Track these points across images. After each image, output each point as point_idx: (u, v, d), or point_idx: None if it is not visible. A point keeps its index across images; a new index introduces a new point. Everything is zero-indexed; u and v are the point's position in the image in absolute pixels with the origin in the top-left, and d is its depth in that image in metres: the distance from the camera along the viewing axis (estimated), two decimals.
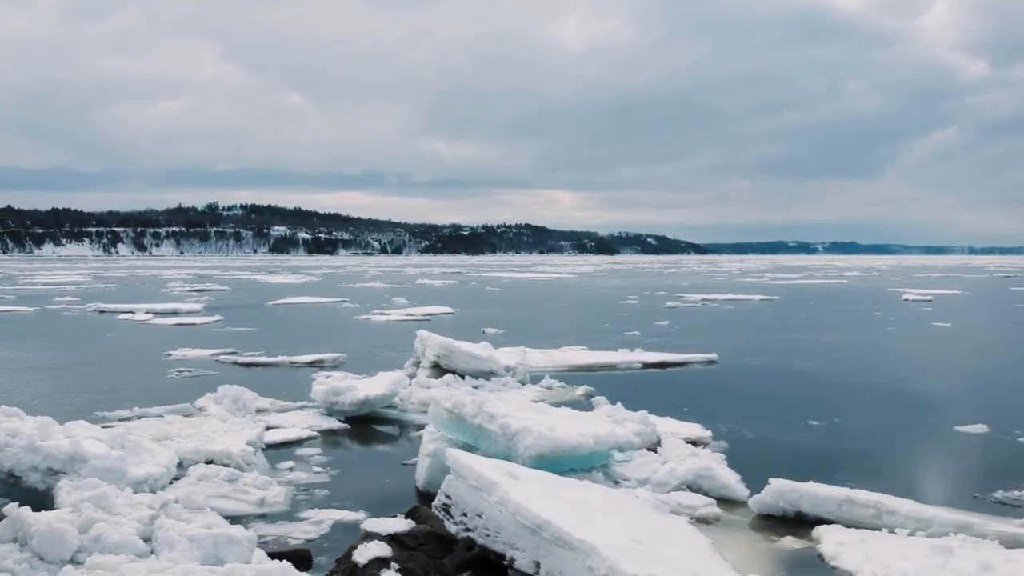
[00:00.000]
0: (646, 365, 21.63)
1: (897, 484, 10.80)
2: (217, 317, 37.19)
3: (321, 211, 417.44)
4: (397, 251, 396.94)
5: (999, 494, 10.21)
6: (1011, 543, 8.25)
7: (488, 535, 7.75)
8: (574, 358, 21.99)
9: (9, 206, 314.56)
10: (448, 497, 8.27)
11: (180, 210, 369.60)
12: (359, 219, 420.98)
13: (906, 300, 51.83)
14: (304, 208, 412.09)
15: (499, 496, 7.70)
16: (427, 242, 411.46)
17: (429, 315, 39.80)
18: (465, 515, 8.02)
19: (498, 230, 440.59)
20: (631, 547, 7.08)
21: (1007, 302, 51.56)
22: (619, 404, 15.04)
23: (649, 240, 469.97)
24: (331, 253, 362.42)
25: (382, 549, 7.54)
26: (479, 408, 10.01)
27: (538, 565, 7.23)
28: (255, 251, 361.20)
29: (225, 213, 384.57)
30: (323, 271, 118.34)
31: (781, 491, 9.41)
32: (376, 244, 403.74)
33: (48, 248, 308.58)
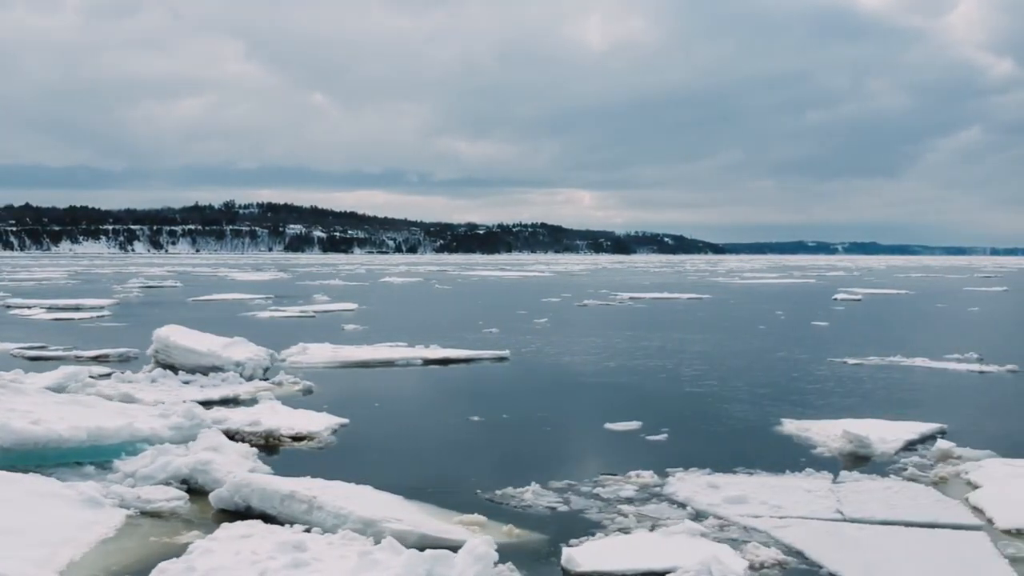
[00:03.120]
0: (427, 361, 21.56)
1: (434, 480, 10.75)
2: (104, 313, 37.62)
3: (337, 210, 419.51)
4: (412, 250, 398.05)
5: (507, 490, 10.05)
6: (402, 538, 8.13)
7: None
8: (359, 354, 21.95)
9: (27, 203, 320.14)
10: None
11: (197, 208, 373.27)
12: (374, 218, 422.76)
13: (834, 300, 51.24)
14: (320, 207, 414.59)
15: None
16: (442, 241, 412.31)
17: (324, 311, 39.98)
18: None
19: (514, 229, 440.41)
20: None
21: (931, 302, 50.65)
22: (276, 402, 15.14)
23: (666, 240, 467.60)
24: (346, 252, 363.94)
25: None
26: None
27: None
28: (270, 249, 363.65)
29: (242, 211, 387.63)
30: (305, 269, 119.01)
31: (237, 485, 9.36)
32: (391, 243, 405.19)
33: (65, 245, 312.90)
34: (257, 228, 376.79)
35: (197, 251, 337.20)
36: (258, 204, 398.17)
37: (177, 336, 17.84)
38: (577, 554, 7.77)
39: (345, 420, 13.92)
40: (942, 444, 12.25)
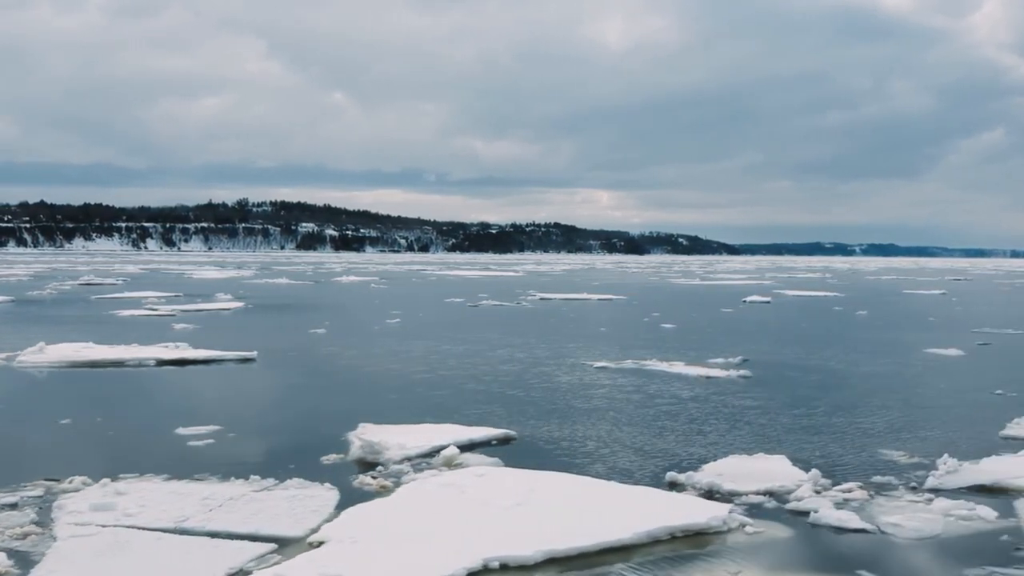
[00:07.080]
0: (160, 362, 21.51)
1: None
2: None
3: (351, 208, 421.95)
4: (424, 248, 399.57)
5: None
6: None
7: None
8: (97, 354, 21.91)
9: (42, 201, 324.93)
10: None
11: (210, 206, 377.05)
12: (387, 216, 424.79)
13: (742, 302, 50.68)
14: (334, 205, 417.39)
15: None
16: (454, 240, 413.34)
17: (197, 311, 40.04)
18: None
19: (527, 229, 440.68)
20: None
21: (838, 305, 49.80)
22: None
23: (680, 240, 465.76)
24: (358, 250, 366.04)
25: None
26: None
27: None
28: (282, 247, 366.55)
29: (255, 210, 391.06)
30: (283, 267, 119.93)
31: None
32: (403, 241, 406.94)
33: (78, 243, 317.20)
34: (270, 226, 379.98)
35: (209, 249, 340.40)
36: (271, 202, 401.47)
37: None
38: None
39: None
40: (447, 452, 12.03)
